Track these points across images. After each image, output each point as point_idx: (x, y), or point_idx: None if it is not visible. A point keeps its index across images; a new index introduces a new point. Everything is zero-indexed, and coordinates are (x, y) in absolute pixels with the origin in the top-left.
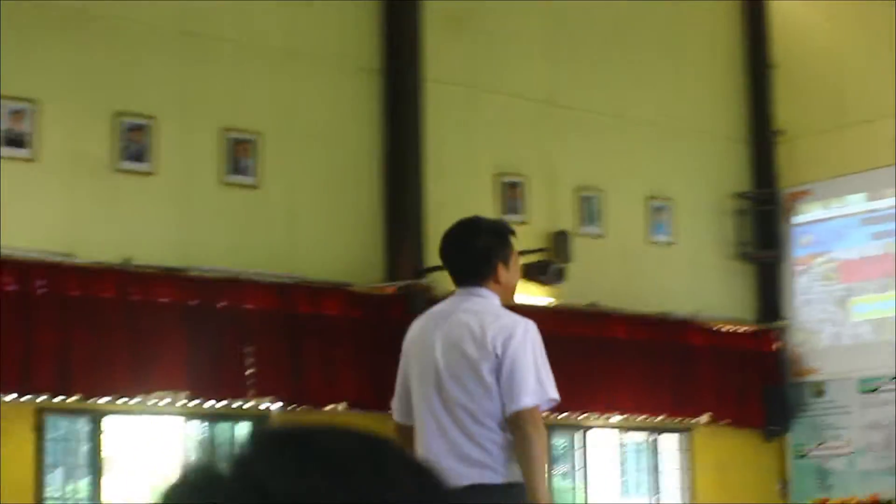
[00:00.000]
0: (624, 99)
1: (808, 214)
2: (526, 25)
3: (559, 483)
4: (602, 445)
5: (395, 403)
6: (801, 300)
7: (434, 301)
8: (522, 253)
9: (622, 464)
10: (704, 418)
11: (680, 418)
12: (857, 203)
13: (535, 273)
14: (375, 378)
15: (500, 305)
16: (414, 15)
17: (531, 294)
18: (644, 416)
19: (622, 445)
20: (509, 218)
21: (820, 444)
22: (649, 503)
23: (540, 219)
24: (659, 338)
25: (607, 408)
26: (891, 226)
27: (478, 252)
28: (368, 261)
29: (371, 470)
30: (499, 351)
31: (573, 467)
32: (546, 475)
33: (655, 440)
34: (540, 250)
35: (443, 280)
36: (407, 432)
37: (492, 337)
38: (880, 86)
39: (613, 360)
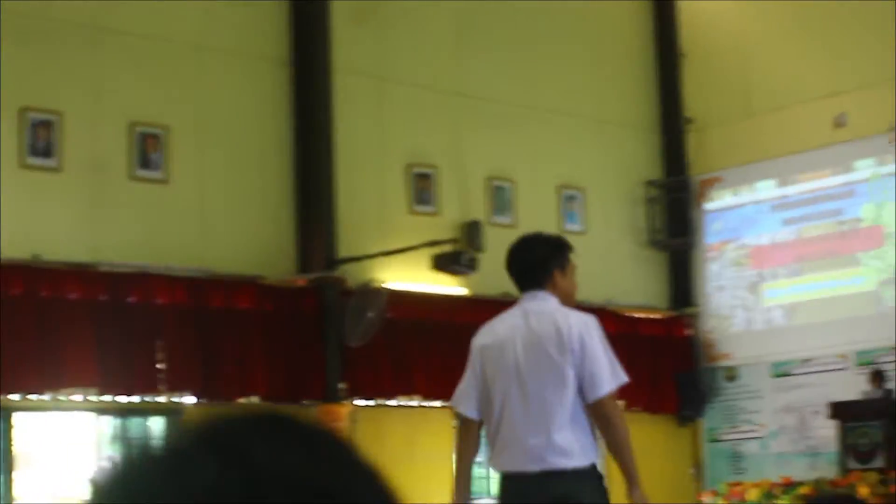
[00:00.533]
0: (534, 88)
1: (719, 201)
2: (435, 15)
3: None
4: None
5: (464, 399)
6: (713, 286)
7: (347, 293)
8: (434, 243)
9: None
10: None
11: None
12: (767, 189)
13: (447, 263)
14: (288, 370)
15: (560, 306)
16: (322, 6)
17: (443, 284)
18: None
19: None
20: (421, 208)
21: (733, 428)
22: None
23: (451, 209)
24: None
25: None
26: (800, 211)
27: (536, 260)
28: (280, 253)
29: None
30: (576, 347)
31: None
32: (632, 451)
33: None
34: (452, 240)
35: (353, 271)
36: (472, 425)
37: (567, 335)
38: (787, 74)
39: None
